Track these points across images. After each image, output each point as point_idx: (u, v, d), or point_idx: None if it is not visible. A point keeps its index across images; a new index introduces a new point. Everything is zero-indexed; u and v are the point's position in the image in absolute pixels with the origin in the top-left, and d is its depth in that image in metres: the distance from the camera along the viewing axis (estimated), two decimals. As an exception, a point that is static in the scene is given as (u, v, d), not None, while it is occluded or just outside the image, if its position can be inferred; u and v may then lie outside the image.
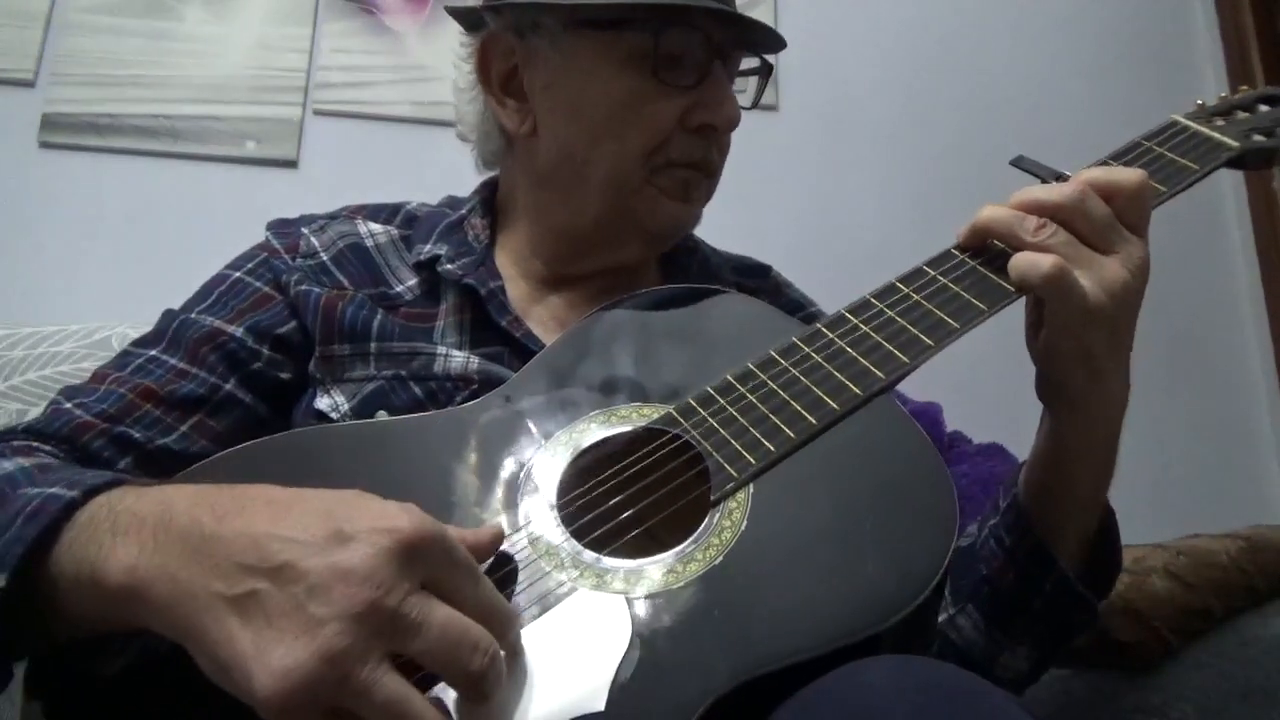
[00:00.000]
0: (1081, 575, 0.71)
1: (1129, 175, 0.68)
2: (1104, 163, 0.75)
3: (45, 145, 1.67)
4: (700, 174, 0.84)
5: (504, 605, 0.52)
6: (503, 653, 0.50)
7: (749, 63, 0.89)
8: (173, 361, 0.78)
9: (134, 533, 0.51)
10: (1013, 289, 0.68)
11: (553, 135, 0.83)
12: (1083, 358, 0.65)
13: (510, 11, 0.82)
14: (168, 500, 0.52)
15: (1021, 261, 0.65)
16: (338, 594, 0.45)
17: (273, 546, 0.47)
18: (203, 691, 0.49)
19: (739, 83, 0.89)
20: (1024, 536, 0.70)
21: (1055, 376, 0.67)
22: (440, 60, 1.83)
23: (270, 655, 0.44)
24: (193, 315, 0.81)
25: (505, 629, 0.51)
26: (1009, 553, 0.71)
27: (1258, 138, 0.79)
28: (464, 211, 0.91)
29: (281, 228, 0.88)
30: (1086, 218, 0.65)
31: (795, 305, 0.96)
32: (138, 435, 0.74)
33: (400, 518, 0.49)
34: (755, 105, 0.89)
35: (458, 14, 0.88)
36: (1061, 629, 0.72)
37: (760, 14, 1.96)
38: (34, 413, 1.17)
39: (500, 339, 0.82)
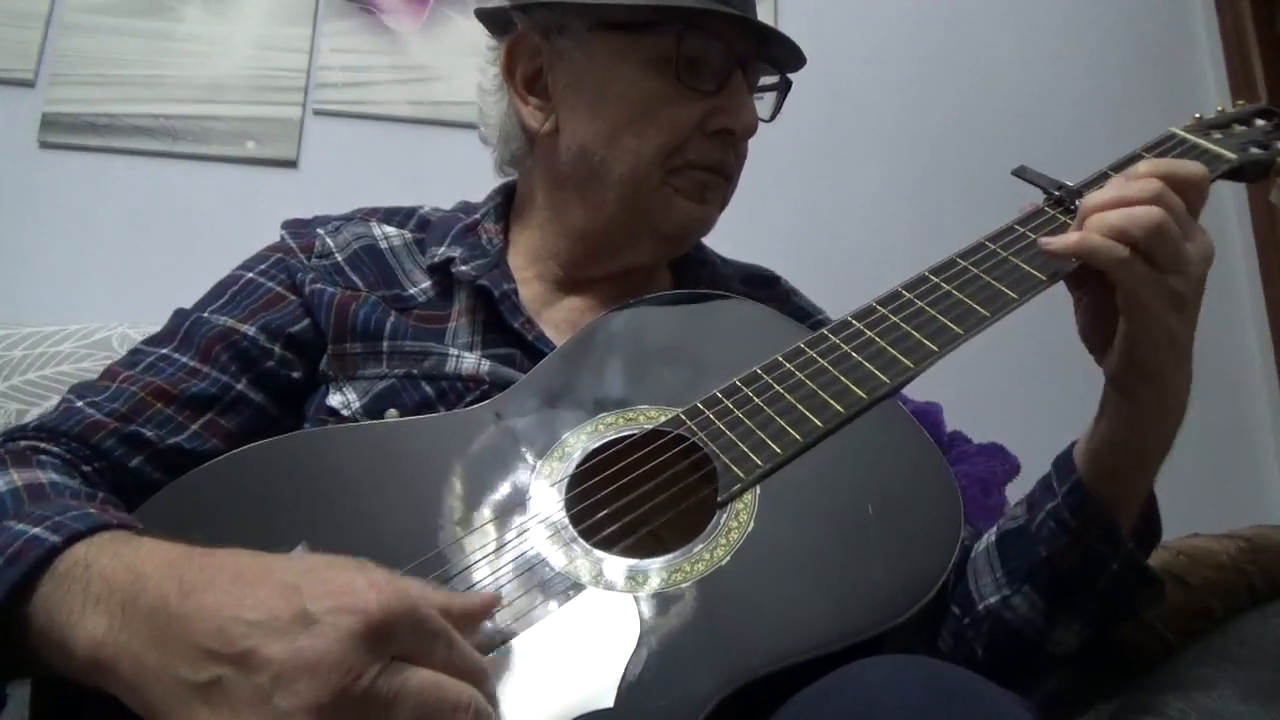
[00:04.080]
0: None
1: (1196, 169, 0.70)
2: (1105, 175, 0.76)
3: (45, 145, 1.67)
4: (716, 177, 0.85)
5: (480, 662, 0.52)
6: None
7: (769, 79, 0.90)
8: (184, 360, 0.78)
9: (103, 603, 0.50)
10: (1015, 296, 0.68)
11: (573, 133, 0.84)
12: (1168, 341, 0.67)
13: (538, 12, 0.84)
14: (138, 569, 0.52)
15: (1095, 241, 0.66)
16: (303, 685, 0.44)
17: (236, 631, 0.46)
18: None
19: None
20: (1092, 518, 0.71)
21: (1144, 362, 0.68)
22: (440, 60, 1.83)
23: None
24: (205, 314, 0.81)
25: (481, 685, 0.51)
26: (1074, 534, 0.71)
27: (1254, 150, 0.80)
28: (478, 216, 0.91)
29: (297, 228, 0.89)
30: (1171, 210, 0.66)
31: (803, 313, 0.96)
32: (149, 434, 0.74)
33: (367, 596, 0.47)
34: (773, 118, 0.90)
35: (487, 16, 0.89)
36: (1123, 606, 0.75)
37: (760, 15, 1.96)
38: (34, 413, 1.17)
39: (512, 341, 0.82)
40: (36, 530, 0.55)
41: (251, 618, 0.47)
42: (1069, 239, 0.68)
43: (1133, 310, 0.66)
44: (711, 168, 0.84)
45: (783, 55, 0.88)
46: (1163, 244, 0.65)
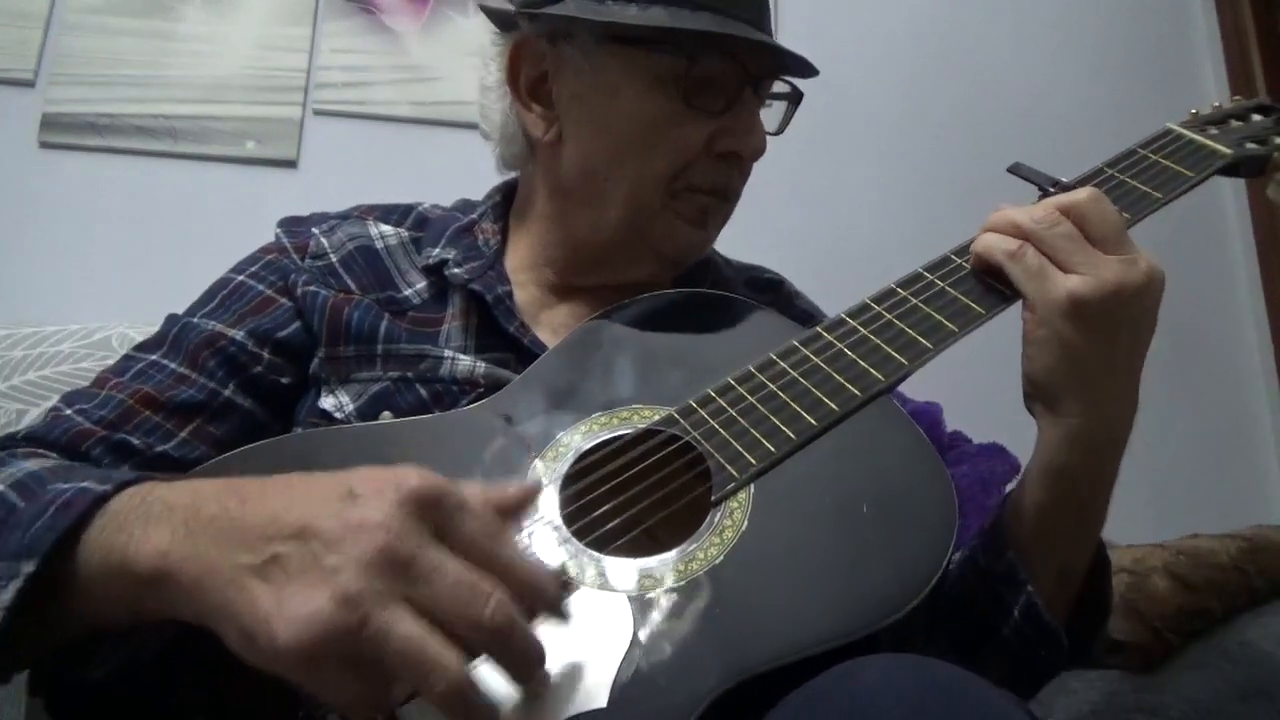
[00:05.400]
0: (1063, 621, 0.68)
1: (1084, 192, 0.68)
2: (1100, 170, 0.76)
3: (45, 145, 1.67)
4: (718, 200, 0.84)
5: (524, 564, 0.51)
6: (541, 613, 0.50)
7: (779, 88, 0.88)
8: (173, 367, 0.78)
9: (165, 520, 0.52)
10: (1009, 292, 0.68)
11: (577, 147, 0.82)
12: (1062, 350, 0.64)
13: (545, 18, 0.81)
14: (196, 490, 0.54)
15: (988, 238, 0.68)
16: (351, 543, 0.47)
17: (292, 514, 0.49)
18: (186, 695, 0.52)
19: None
20: (999, 556, 0.68)
21: (1037, 373, 0.66)
22: (440, 60, 1.83)
23: (290, 606, 0.46)
24: (195, 320, 0.81)
25: (522, 584, 0.50)
26: (983, 574, 0.69)
27: (1251, 146, 0.80)
28: (475, 215, 0.90)
29: (293, 226, 0.88)
30: (1092, 219, 0.66)
31: (808, 317, 0.95)
32: (137, 442, 0.73)
33: (410, 474, 0.50)
34: (781, 131, 0.88)
35: (491, 13, 0.87)
36: (1029, 665, 0.69)
37: (760, 14, 1.98)
38: (34, 413, 1.17)
39: (507, 345, 0.81)
40: (86, 484, 0.56)
41: (304, 502, 0.50)
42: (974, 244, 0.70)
43: (1028, 309, 0.65)
44: (714, 191, 0.82)
45: (795, 66, 0.85)
46: (1053, 231, 0.65)
